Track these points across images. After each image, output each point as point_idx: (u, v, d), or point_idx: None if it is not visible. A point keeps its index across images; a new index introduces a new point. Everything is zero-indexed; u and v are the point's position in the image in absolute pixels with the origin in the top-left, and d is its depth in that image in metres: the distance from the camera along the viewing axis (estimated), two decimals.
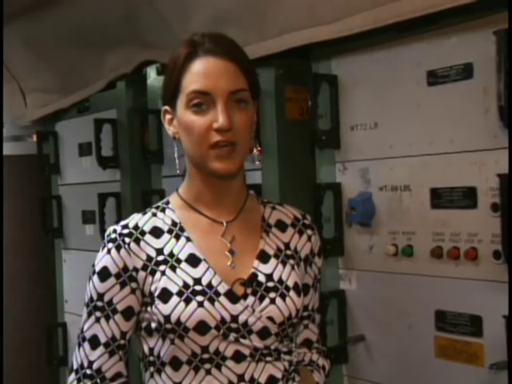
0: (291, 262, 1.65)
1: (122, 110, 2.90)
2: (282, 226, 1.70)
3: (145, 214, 1.64)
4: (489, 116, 1.75)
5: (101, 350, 1.56)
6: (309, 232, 1.72)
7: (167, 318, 1.51)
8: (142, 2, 2.59)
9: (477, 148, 1.80)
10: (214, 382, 1.53)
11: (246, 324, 1.53)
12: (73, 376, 1.59)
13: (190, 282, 1.54)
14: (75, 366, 1.59)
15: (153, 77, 2.80)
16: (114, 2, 2.69)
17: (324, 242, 2.11)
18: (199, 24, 2.39)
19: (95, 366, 1.56)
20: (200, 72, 1.53)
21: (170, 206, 1.65)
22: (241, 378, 1.54)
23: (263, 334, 1.55)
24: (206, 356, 1.53)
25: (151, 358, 1.58)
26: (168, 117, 1.62)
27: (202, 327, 1.51)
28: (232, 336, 1.52)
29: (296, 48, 2.13)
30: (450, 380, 1.89)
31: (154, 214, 1.63)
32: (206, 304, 1.51)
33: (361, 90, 2.08)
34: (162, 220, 1.62)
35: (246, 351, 1.54)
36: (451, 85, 1.85)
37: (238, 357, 1.54)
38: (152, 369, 1.58)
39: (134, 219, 1.62)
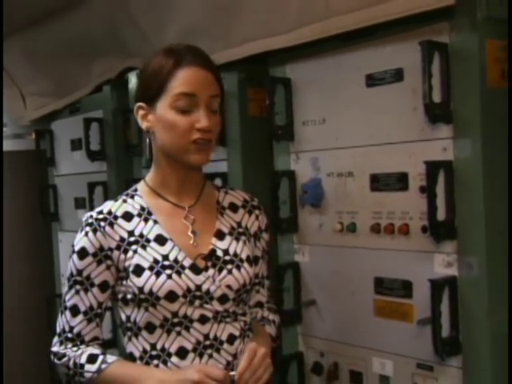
0: (243, 238, 1.69)
1: (108, 110, 2.89)
2: (234, 207, 1.74)
3: (116, 200, 1.66)
4: (417, 113, 1.76)
5: (80, 317, 1.61)
6: (256, 212, 1.76)
7: (141, 289, 1.54)
8: (123, 18, 2.57)
9: (408, 140, 1.81)
10: (183, 341, 1.57)
11: (208, 292, 1.57)
12: (56, 339, 1.65)
13: (159, 258, 1.57)
14: (58, 330, 1.64)
15: (134, 81, 2.76)
16: (99, 19, 2.68)
17: (281, 221, 2.13)
18: (173, 36, 2.38)
19: (75, 330, 1.61)
20: (186, 78, 1.55)
21: (138, 192, 1.67)
22: (206, 336, 1.57)
23: (223, 299, 1.59)
24: (176, 320, 1.56)
25: (128, 325, 1.61)
26: (142, 112, 1.60)
27: (171, 296, 1.54)
28: (197, 302, 1.56)
29: (255, 55, 2.13)
30: (386, 334, 1.90)
31: (125, 201, 1.65)
32: (174, 276, 1.55)
33: (311, 91, 2.08)
34: (132, 205, 1.64)
35: (209, 314, 1.58)
36: (386, 86, 1.85)
37: (202, 319, 1.57)
38: (130, 333, 1.62)
39: (108, 206, 1.64)
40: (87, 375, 1.58)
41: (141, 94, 1.62)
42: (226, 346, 1.59)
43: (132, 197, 1.66)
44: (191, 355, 1.56)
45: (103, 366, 1.58)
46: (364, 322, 1.96)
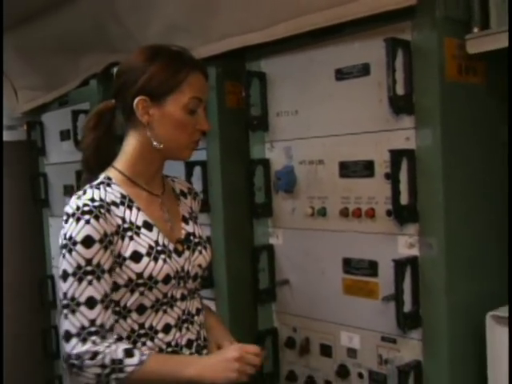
0: (197, 221, 1.75)
1: (94, 102, 2.84)
2: (184, 194, 1.78)
3: (97, 188, 1.54)
4: (382, 104, 1.77)
5: (99, 307, 1.46)
6: (198, 198, 1.84)
7: (140, 274, 1.51)
8: (109, 15, 2.55)
9: (374, 130, 1.82)
10: (168, 318, 1.58)
11: (188, 272, 1.62)
12: (74, 340, 1.44)
13: (152, 244, 1.55)
14: (74, 331, 1.44)
15: None
16: (86, 17, 2.66)
17: (256, 206, 2.15)
18: (156, 33, 2.37)
19: (98, 322, 1.45)
20: (198, 83, 1.58)
21: (113, 181, 1.57)
22: (183, 312, 1.61)
23: (195, 277, 1.65)
24: (164, 300, 1.57)
25: (116, 309, 1.51)
26: (143, 105, 1.54)
27: (167, 279, 1.55)
28: (181, 282, 1.59)
29: (233, 50, 2.13)
30: (353, 310, 1.93)
31: (105, 189, 1.54)
32: (167, 260, 1.56)
33: (284, 84, 2.08)
34: (113, 194, 1.55)
35: (186, 292, 1.62)
36: (354, 80, 1.86)
37: (182, 297, 1.61)
38: (117, 317, 1.52)
39: (94, 193, 1.52)
40: (128, 369, 1.45)
41: (147, 88, 1.54)
42: (195, 318, 1.65)
43: (109, 185, 1.56)
44: (173, 330, 1.58)
45: (143, 357, 1.47)
46: (333, 299, 1.98)
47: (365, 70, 1.83)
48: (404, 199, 1.72)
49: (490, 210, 1.84)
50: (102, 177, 1.58)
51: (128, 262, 1.51)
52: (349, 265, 1.92)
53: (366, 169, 1.85)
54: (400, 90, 1.71)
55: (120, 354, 1.44)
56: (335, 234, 1.96)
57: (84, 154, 1.66)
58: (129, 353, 1.46)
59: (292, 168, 2.07)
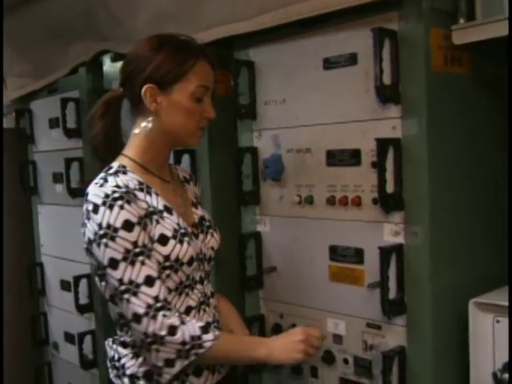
0: (202, 205, 1.80)
1: (83, 90, 2.85)
2: (187, 181, 1.82)
3: (116, 176, 1.54)
4: (369, 94, 1.78)
5: (157, 283, 1.49)
6: (198, 184, 1.89)
7: (167, 257, 1.54)
8: (97, 3, 2.55)
9: (360, 119, 1.83)
10: (189, 300, 1.62)
11: (204, 255, 1.66)
12: (145, 320, 1.45)
13: (176, 227, 1.58)
14: (142, 311, 1.45)
15: (108, 63, 2.76)
16: (75, 4, 2.65)
17: (244, 193, 2.16)
18: (145, 21, 2.38)
19: (161, 296, 1.48)
20: (205, 72, 1.61)
21: (128, 169, 1.59)
22: (202, 294, 1.66)
23: (210, 260, 1.70)
24: (187, 282, 1.61)
25: None
26: (151, 93, 1.57)
27: (191, 261, 1.59)
28: (200, 264, 1.64)
29: (221, 39, 2.13)
30: (339, 297, 1.94)
31: (124, 177, 1.56)
32: (191, 242, 1.59)
33: (272, 73, 2.09)
34: (131, 181, 1.56)
35: (203, 275, 1.67)
36: (341, 69, 1.87)
37: (200, 280, 1.66)
38: None
39: (117, 180, 1.53)
40: (207, 345, 1.49)
41: (154, 76, 1.57)
42: (211, 300, 1.70)
43: (124, 173, 1.57)
44: (193, 312, 1.62)
45: (217, 333, 1.52)
46: (319, 286, 2.00)
47: (352, 59, 1.83)
48: (390, 188, 1.74)
49: (475, 199, 1.86)
50: (115, 165, 1.60)
51: (155, 245, 1.53)
52: (335, 252, 1.94)
53: (352, 157, 1.86)
54: (387, 79, 1.71)
55: (198, 331, 1.49)
56: (322, 222, 1.97)
57: (93, 143, 1.68)
58: (205, 329, 1.51)
59: (280, 156, 2.08)
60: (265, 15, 1.97)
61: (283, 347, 1.58)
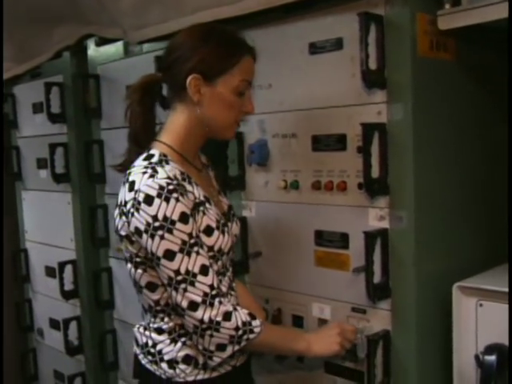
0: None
1: (67, 75, 2.85)
2: (208, 167, 1.83)
3: (163, 166, 1.55)
4: (355, 79, 1.78)
5: (211, 272, 1.53)
6: (213, 169, 1.88)
7: (211, 247, 1.58)
8: None
9: (346, 103, 1.83)
10: (223, 287, 1.64)
11: (232, 243, 1.69)
12: (202, 307, 1.50)
13: (218, 217, 1.62)
14: (199, 300, 1.50)
15: (92, 48, 2.75)
16: None
17: (229, 179, 2.16)
18: (129, 4, 2.36)
19: (215, 284, 1.53)
20: (250, 67, 1.65)
21: (169, 158, 1.60)
22: (230, 280, 1.72)
23: (233, 248, 1.73)
24: (222, 270, 1.66)
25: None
26: (196, 83, 1.58)
27: (229, 250, 1.65)
28: (231, 252, 1.69)
29: None
30: (325, 282, 1.95)
31: (168, 167, 1.56)
32: (230, 233, 1.65)
33: (258, 58, 2.04)
34: (175, 171, 1.56)
35: (230, 262, 1.71)
36: (327, 54, 1.86)
37: (228, 267, 1.71)
38: (184, 285, 1.52)
39: (167, 171, 1.53)
40: (257, 330, 1.57)
41: (200, 67, 1.57)
42: (233, 285, 1.75)
43: (167, 162, 1.58)
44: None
45: (261, 319, 1.61)
46: (305, 271, 2.00)
47: (338, 44, 1.83)
48: (375, 172, 1.74)
49: (460, 184, 1.88)
50: (157, 153, 1.59)
51: (201, 235, 1.56)
52: (320, 237, 1.94)
53: (338, 142, 1.86)
54: (372, 64, 1.71)
55: (248, 317, 1.57)
56: (307, 207, 1.98)
57: (132, 127, 1.68)
58: (252, 315, 1.59)
59: (265, 141, 2.07)
60: (249, 0, 1.96)
61: (321, 340, 1.71)
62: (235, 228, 1.77)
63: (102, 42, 2.68)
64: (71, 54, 2.84)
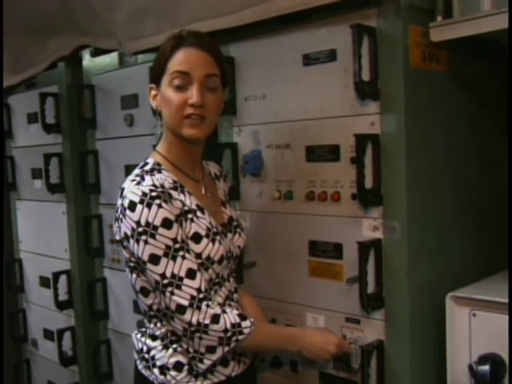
0: (230, 203, 1.87)
1: (63, 85, 2.85)
2: (217, 177, 1.85)
3: (152, 175, 1.58)
4: (348, 90, 1.79)
5: (198, 275, 1.55)
6: (228, 179, 1.93)
7: (199, 254, 1.59)
8: None
9: (340, 114, 1.84)
10: (218, 297, 1.67)
11: (232, 253, 1.71)
12: (189, 310, 1.52)
13: (209, 225, 1.62)
14: (186, 303, 1.52)
15: (87, 58, 2.76)
16: None
17: None
18: (124, 15, 2.37)
19: (203, 288, 1.55)
20: (183, 58, 1.59)
21: (163, 167, 1.63)
22: (229, 291, 1.71)
23: (235, 258, 1.75)
24: (217, 280, 1.66)
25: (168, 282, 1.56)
26: (153, 93, 1.65)
27: (221, 259, 1.64)
28: (228, 263, 1.69)
29: None
30: (319, 292, 1.96)
31: (159, 176, 1.60)
32: (222, 242, 1.64)
33: (252, 69, 2.09)
34: (166, 180, 1.59)
35: (230, 272, 1.72)
36: (321, 65, 1.88)
37: (228, 277, 1.72)
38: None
39: (153, 179, 1.56)
40: (246, 331, 1.58)
41: (151, 75, 1.68)
42: (234, 296, 1.76)
43: (159, 171, 1.62)
44: None
45: (252, 320, 1.61)
46: (299, 281, 2.01)
47: (331, 55, 1.84)
48: (368, 183, 1.75)
49: (453, 194, 1.89)
50: (151, 162, 1.64)
51: (189, 242, 1.57)
52: (314, 247, 1.95)
53: (331, 153, 1.87)
54: (366, 75, 1.73)
55: (237, 318, 1.58)
56: (301, 217, 1.98)
57: None
58: (242, 316, 1.60)
59: (259, 152, 2.08)
60: (244, 11, 1.97)
61: (315, 347, 1.69)
62: (238, 239, 1.78)
63: (97, 52, 2.69)
64: (66, 65, 2.84)
